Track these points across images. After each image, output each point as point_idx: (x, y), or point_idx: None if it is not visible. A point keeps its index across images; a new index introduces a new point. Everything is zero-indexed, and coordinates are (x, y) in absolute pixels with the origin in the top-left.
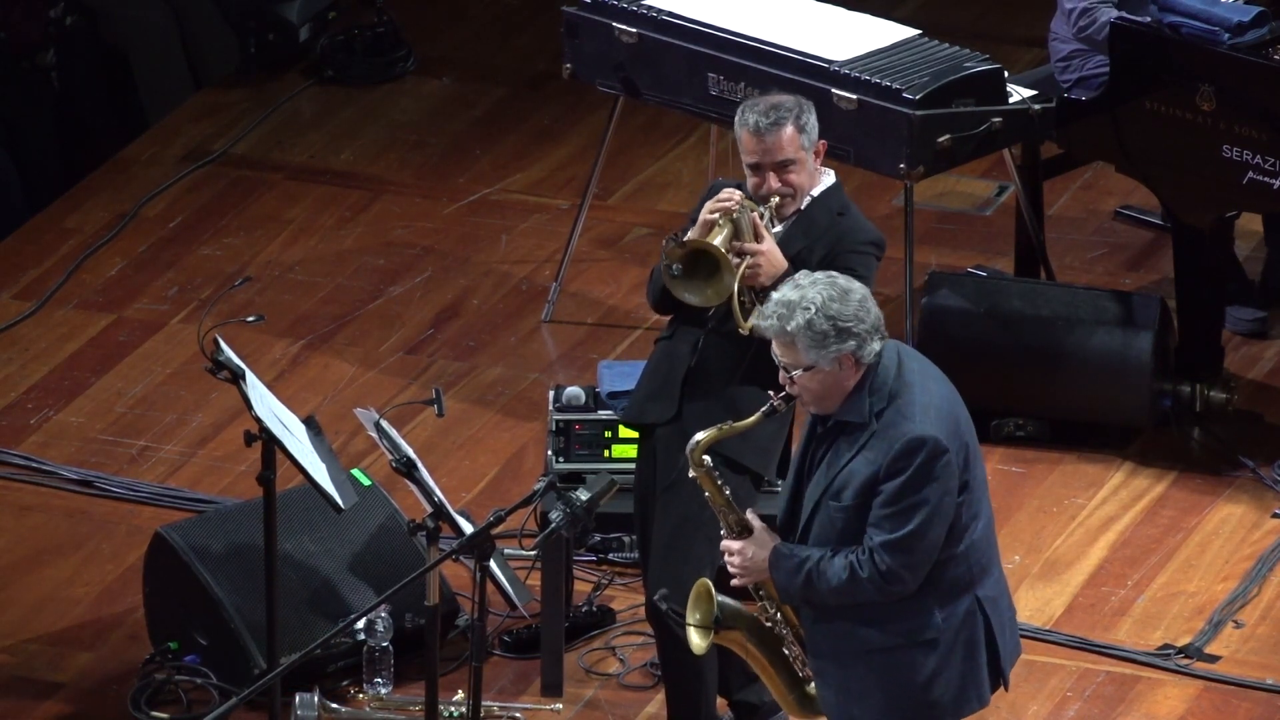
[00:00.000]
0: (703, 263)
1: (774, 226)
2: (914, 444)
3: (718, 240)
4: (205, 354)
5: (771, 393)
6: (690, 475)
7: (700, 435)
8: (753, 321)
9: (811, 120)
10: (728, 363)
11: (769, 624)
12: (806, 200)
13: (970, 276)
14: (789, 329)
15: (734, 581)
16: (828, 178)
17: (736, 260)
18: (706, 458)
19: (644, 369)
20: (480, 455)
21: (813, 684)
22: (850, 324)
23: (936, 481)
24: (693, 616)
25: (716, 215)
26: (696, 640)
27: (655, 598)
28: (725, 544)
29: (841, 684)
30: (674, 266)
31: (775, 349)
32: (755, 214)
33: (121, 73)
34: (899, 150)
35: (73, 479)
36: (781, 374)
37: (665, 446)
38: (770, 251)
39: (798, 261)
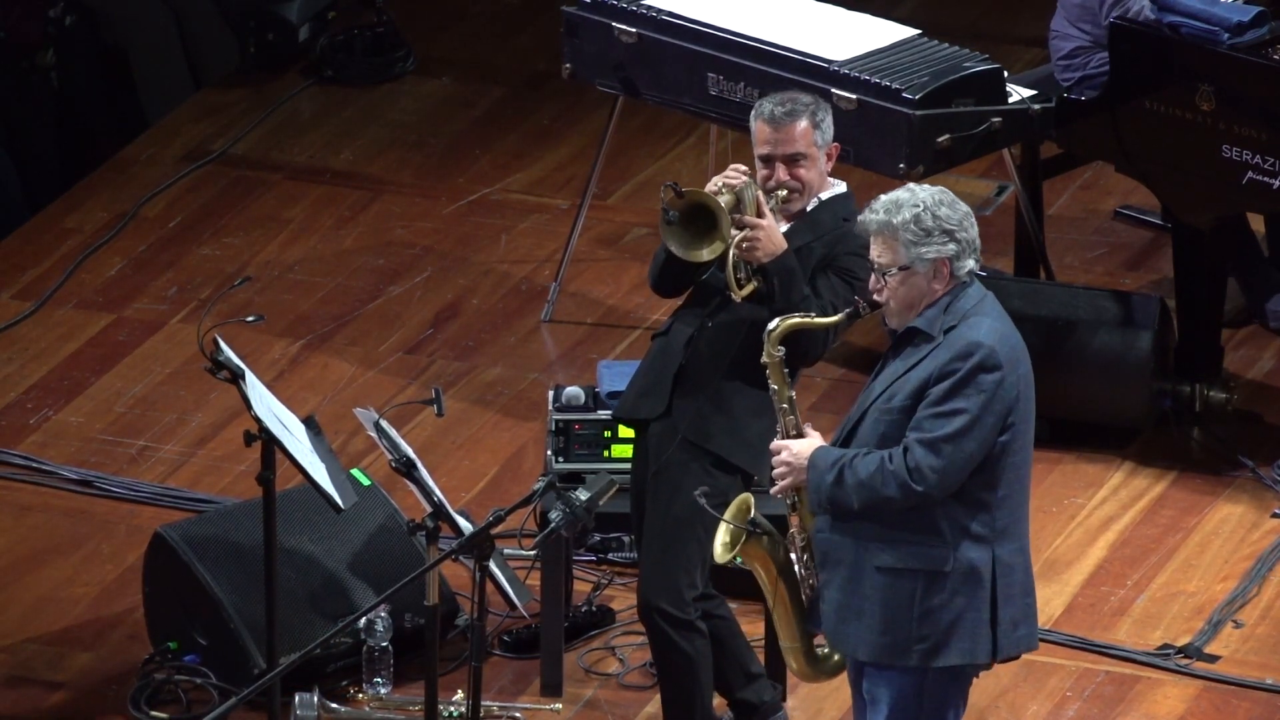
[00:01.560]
0: (700, 219)
1: (779, 222)
2: (971, 346)
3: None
4: (205, 354)
5: (858, 298)
6: (763, 361)
7: (778, 320)
8: (746, 292)
9: (827, 120)
10: (719, 359)
11: (792, 550)
12: (814, 202)
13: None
14: (894, 222)
15: (774, 489)
16: (839, 186)
17: (735, 232)
18: (781, 348)
19: (639, 366)
20: (480, 455)
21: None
22: (954, 228)
23: (983, 394)
24: (730, 517)
25: (720, 185)
26: (722, 542)
27: (696, 493)
28: (775, 443)
29: (843, 600)
30: (671, 213)
31: (874, 248)
32: (760, 193)
33: (121, 73)
34: (898, 150)
35: (73, 479)
36: (874, 279)
37: (656, 441)
38: (770, 228)
39: (799, 255)
